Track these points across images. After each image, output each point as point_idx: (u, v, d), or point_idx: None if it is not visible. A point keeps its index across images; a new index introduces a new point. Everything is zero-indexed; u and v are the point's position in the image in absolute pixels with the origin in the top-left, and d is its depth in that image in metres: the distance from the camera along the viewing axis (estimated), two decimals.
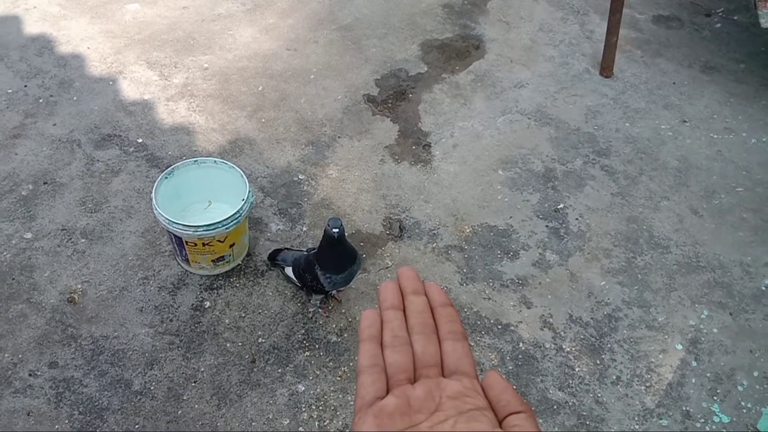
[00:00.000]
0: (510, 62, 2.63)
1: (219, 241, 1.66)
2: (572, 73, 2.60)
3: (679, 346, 1.73)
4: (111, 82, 2.36)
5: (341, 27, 2.71)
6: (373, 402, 0.43)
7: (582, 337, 1.74)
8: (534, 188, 2.13)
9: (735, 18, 3.05)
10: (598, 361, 1.68)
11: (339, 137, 2.23)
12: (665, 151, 2.29)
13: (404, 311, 0.49)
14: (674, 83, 2.58)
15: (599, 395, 1.62)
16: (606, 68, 2.56)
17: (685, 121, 2.42)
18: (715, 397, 1.64)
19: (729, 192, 2.16)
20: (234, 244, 1.72)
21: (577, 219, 2.04)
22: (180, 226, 1.61)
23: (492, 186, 2.13)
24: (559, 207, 2.07)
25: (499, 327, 1.74)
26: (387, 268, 1.86)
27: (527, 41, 2.75)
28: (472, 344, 1.69)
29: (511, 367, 1.66)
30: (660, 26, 2.93)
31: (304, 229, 1.94)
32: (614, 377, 1.66)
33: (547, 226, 2.01)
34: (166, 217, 1.60)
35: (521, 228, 2.00)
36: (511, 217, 2.04)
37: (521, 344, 1.71)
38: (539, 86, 2.52)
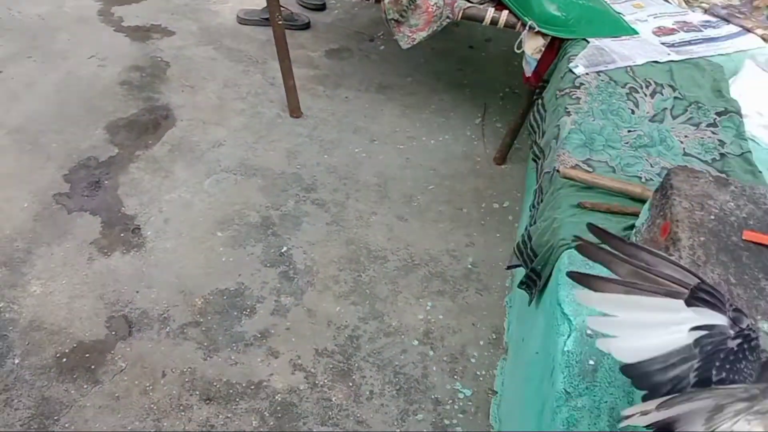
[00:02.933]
0: (203, 124, 2.66)
1: None
2: (265, 120, 2.71)
3: (416, 342, 1.89)
4: None
5: (12, 130, 2.49)
6: None
7: (331, 366, 1.81)
8: (255, 240, 2.17)
9: (394, 38, 3.45)
10: (351, 383, 1.77)
11: (35, 248, 2.05)
12: (364, 172, 2.49)
13: None
14: (365, 107, 2.83)
15: (359, 415, 1.71)
16: (294, 110, 2.71)
17: (374, 140, 2.67)
18: (455, 377, 1.82)
19: (424, 192, 2.43)
20: None
21: (302, 257, 2.13)
22: None
23: (214, 250, 2.13)
24: (283, 251, 2.14)
25: (252, 388, 1.74)
26: (122, 371, 1.75)
27: (215, 100, 2.80)
28: (230, 415, 1.67)
29: (272, 423, 1.67)
30: (334, 59, 3.19)
31: (17, 361, 1.74)
32: (368, 393, 1.76)
33: (276, 272, 2.07)
34: None
35: (252, 282, 2.03)
36: (240, 275, 2.05)
37: (277, 396, 1.73)
38: (237, 140, 2.59)
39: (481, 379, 1.83)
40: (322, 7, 3.59)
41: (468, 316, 1.99)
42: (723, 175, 1.37)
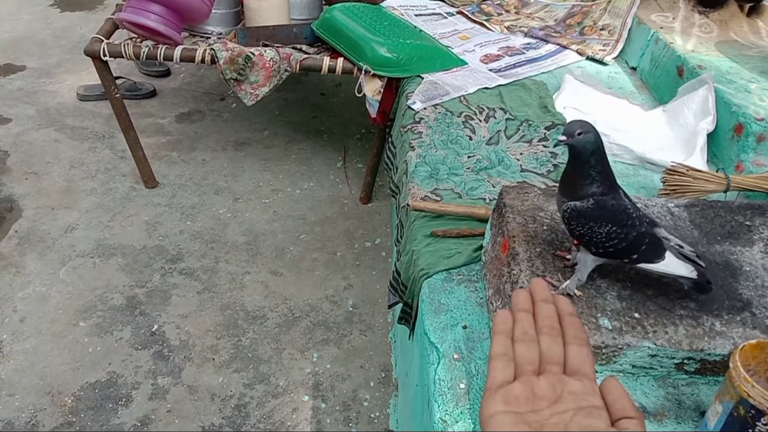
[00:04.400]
0: (52, 210, 2.50)
1: None
2: (119, 196, 2.60)
3: (306, 397, 1.85)
4: None
5: None
6: (502, 385, 0.48)
7: None
8: (122, 323, 2.05)
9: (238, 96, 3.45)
10: None
11: None
12: (231, 232, 2.44)
13: (534, 316, 0.53)
14: (224, 168, 2.78)
15: None
16: (148, 180, 2.62)
17: (237, 199, 2.63)
18: (350, 424, 1.80)
19: (295, 243, 2.42)
20: None
21: (176, 332, 2.03)
22: None
23: (78, 342, 1.99)
24: (154, 329, 2.04)
25: None
26: None
27: (63, 183, 2.65)
28: None
29: None
30: (185, 123, 3.13)
31: None
32: None
33: (149, 353, 1.96)
34: None
35: (124, 369, 1.91)
36: (110, 364, 1.93)
37: None
38: (91, 221, 2.45)
39: (375, 421, 1.82)
40: (166, 73, 3.52)
41: (355, 360, 1.98)
42: (551, 186, 1.47)
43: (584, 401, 0.46)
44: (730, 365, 0.73)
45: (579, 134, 0.82)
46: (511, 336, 0.52)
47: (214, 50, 2.06)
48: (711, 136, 1.60)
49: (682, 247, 0.89)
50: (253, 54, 2.04)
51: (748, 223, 1.08)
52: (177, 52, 2.10)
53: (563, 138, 0.81)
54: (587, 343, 0.51)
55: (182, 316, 2.09)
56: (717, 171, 1.42)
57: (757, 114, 1.51)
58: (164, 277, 2.23)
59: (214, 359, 1.95)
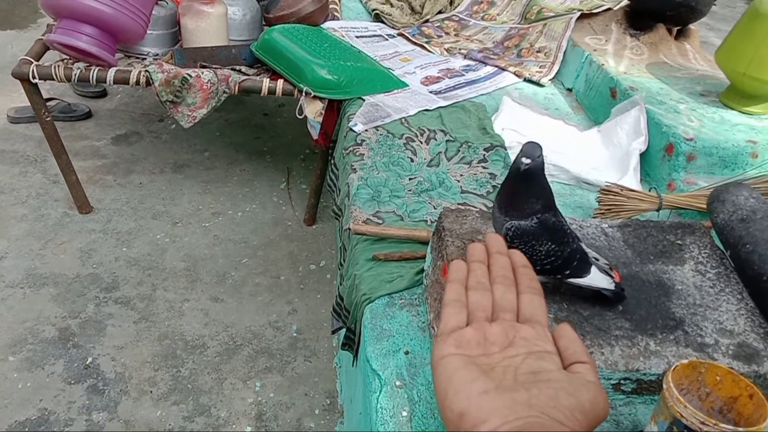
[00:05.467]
0: None
1: None
2: (51, 222, 2.49)
3: (249, 429, 1.80)
4: None
5: None
6: (454, 330, 0.48)
7: None
8: (54, 357, 1.95)
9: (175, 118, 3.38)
10: None
11: None
12: (169, 258, 2.37)
13: (489, 267, 0.54)
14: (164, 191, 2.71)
15: None
16: (82, 206, 2.53)
17: (176, 223, 2.56)
18: None
19: (237, 267, 2.36)
20: None
21: (111, 364, 1.95)
22: None
23: (7, 378, 1.88)
24: (88, 362, 1.95)
25: None
26: None
27: None
28: None
29: None
30: (122, 146, 3.04)
31: None
32: None
33: (83, 388, 1.87)
34: None
35: (56, 405, 1.81)
36: (41, 400, 1.83)
37: None
38: (21, 250, 2.34)
39: None
40: (102, 94, 3.42)
41: (300, 387, 1.93)
42: (491, 207, 1.48)
43: (536, 346, 0.47)
44: (664, 386, 0.74)
45: (538, 156, 0.82)
46: (465, 285, 0.53)
47: (149, 72, 2.01)
48: (644, 156, 1.65)
49: (598, 260, 0.91)
50: (190, 76, 1.99)
51: (679, 242, 1.11)
52: (110, 74, 2.04)
53: (528, 161, 0.81)
54: (540, 293, 0.52)
55: (118, 347, 2.00)
56: (650, 190, 1.46)
57: (686, 134, 1.56)
58: (99, 306, 2.14)
59: (151, 392, 1.87)
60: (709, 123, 1.64)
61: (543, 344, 0.47)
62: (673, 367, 0.76)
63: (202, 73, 2.02)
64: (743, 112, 1.70)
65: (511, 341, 0.47)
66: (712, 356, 0.89)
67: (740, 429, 0.69)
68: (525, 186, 0.86)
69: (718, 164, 1.57)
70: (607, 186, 1.41)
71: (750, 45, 1.61)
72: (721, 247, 1.13)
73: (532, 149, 0.82)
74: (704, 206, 1.27)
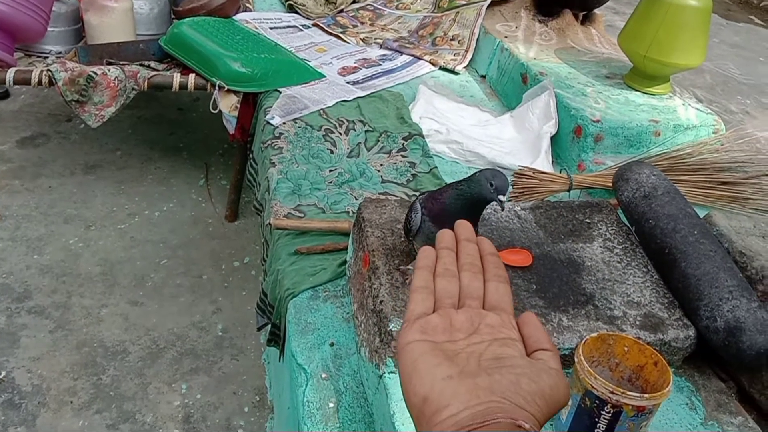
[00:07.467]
0: None
1: None
2: None
3: (176, 430, 1.76)
4: None
5: None
6: (421, 316, 0.49)
7: None
8: None
9: (82, 118, 3.24)
10: None
11: None
12: (84, 263, 2.27)
13: (457, 254, 0.55)
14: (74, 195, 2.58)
15: None
16: None
17: (90, 226, 2.45)
18: None
19: (157, 269, 2.29)
20: None
21: (27, 376, 1.85)
22: None
23: None
24: (2, 376, 1.85)
25: None
26: None
27: None
28: None
29: None
30: (28, 148, 2.88)
31: None
32: None
33: None
34: None
35: None
36: None
37: None
38: None
39: None
40: (4, 95, 3.23)
41: (228, 386, 1.90)
42: (411, 195, 1.50)
43: (500, 333, 0.48)
44: (575, 359, 0.77)
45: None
46: (433, 272, 0.53)
47: (51, 71, 1.90)
48: (554, 139, 1.71)
49: None
50: (95, 73, 1.91)
51: (588, 220, 1.16)
52: (9, 74, 1.92)
53: (504, 199, 0.81)
54: (506, 281, 0.53)
55: (33, 358, 1.91)
56: (561, 172, 1.51)
57: (593, 116, 1.63)
58: (11, 318, 2.03)
59: (72, 402, 1.80)
60: (614, 104, 1.72)
61: (507, 331, 0.48)
62: (583, 341, 0.80)
63: (109, 70, 1.94)
64: (646, 93, 1.79)
65: (476, 328, 0.48)
66: (621, 328, 0.94)
67: (645, 395, 0.73)
68: (477, 210, 0.86)
69: (623, 144, 1.64)
70: (520, 169, 1.45)
71: (649, 28, 1.69)
72: (627, 223, 1.19)
73: (504, 182, 0.80)
74: (611, 185, 1.33)
